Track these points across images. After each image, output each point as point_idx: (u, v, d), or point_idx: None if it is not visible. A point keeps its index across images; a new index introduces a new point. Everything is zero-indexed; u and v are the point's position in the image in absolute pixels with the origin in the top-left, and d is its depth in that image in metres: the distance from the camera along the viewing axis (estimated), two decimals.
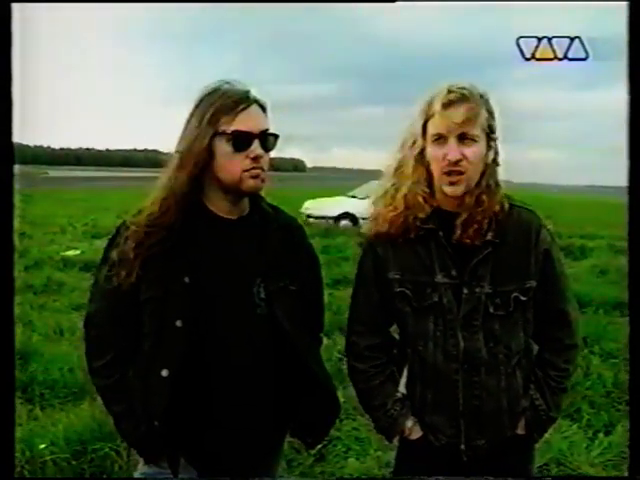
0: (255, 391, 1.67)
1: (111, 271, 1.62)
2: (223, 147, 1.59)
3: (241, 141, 1.58)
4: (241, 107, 1.59)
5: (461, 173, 1.60)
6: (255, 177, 1.61)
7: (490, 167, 1.66)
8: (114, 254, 1.63)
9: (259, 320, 1.65)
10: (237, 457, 1.68)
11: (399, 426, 1.76)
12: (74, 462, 3.17)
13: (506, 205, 1.69)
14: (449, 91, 1.57)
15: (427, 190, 1.67)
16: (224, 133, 1.58)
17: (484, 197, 1.64)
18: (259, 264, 1.67)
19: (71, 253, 10.19)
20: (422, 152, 1.66)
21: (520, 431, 1.76)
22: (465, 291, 1.66)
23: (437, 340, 1.68)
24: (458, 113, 1.56)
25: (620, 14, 1.55)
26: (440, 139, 1.60)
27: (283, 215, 1.81)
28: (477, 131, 1.59)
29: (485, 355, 1.67)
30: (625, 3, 1.56)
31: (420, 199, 1.67)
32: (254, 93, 1.63)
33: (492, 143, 1.65)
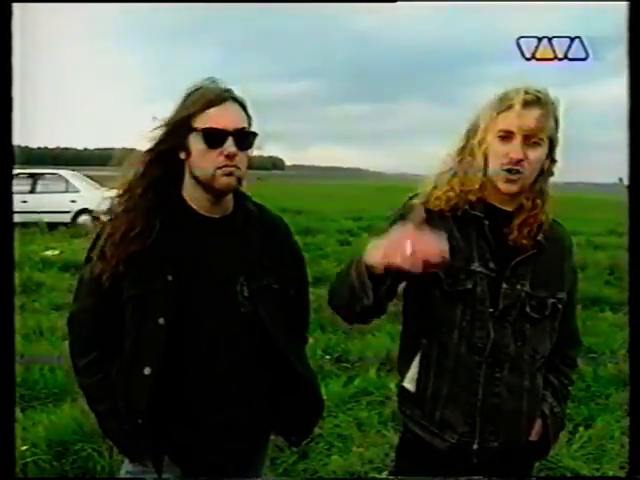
0: (238, 389, 1.67)
1: (93, 270, 1.61)
2: (197, 144, 1.59)
3: (214, 138, 1.58)
4: (216, 104, 1.59)
5: (519, 173, 1.59)
6: (228, 175, 1.59)
7: (546, 173, 1.67)
8: (95, 253, 1.62)
9: (243, 318, 1.65)
10: (221, 456, 1.68)
11: None
12: (56, 463, 3.14)
13: (550, 215, 1.70)
14: (526, 92, 1.58)
15: (484, 179, 1.66)
16: (198, 130, 1.58)
17: (538, 201, 1.66)
18: (242, 262, 1.67)
19: (50, 253, 10.08)
20: (487, 146, 1.65)
21: (533, 437, 1.73)
22: (504, 286, 1.64)
23: (463, 330, 1.63)
24: (532, 114, 1.57)
25: (620, 14, 1.57)
26: (506, 137, 1.59)
27: (267, 214, 1.80)
28: (543, 135, 1.59)
29: (512, 352, 1.64)
30: (625, 3, 1.57)
31: (476, 185, 1.65)
32: (235, 91, 1.63)
33: (552, 151, 1.65)
